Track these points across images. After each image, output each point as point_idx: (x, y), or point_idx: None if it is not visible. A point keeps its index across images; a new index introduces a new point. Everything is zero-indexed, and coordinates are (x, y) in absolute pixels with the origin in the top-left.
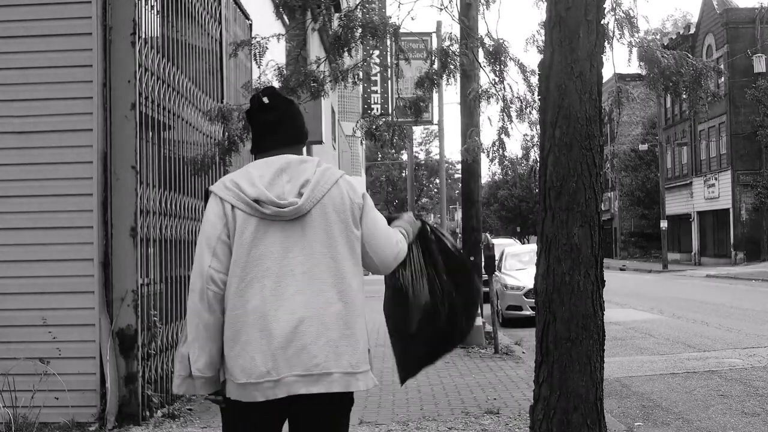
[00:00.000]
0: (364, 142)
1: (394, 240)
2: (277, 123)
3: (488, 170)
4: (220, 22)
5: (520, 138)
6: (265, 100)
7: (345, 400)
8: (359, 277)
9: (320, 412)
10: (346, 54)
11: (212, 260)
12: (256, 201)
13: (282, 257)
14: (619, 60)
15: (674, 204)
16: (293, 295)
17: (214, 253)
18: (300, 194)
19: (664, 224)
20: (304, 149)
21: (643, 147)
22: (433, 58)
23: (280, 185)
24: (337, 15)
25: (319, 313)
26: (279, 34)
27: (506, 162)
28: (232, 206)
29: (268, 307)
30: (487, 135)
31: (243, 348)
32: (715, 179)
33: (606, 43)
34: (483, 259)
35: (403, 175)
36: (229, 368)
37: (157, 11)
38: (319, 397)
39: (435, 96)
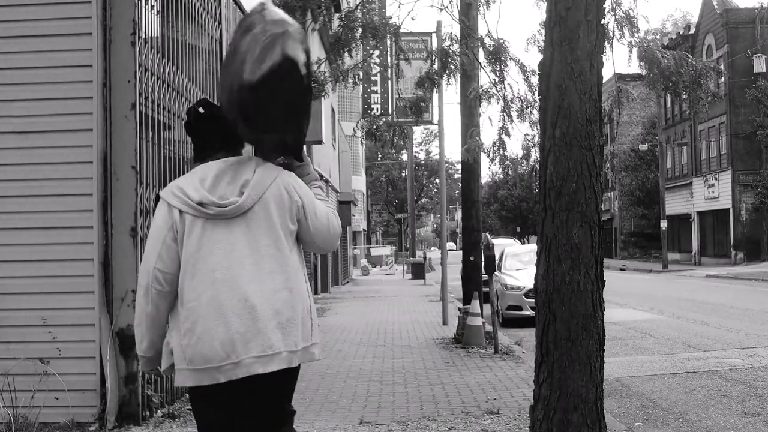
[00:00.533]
0: (364, 142)
1: (332, 222)
2: (214, 130)
3: (488, 170)
4: (220, 22)
5: (521, 138)
6: (201, 110)
7: (293, 373)
8: (301, 265)
9: (274, 386)
10: (346, 54)
11: (157, 261)
12: (200, 204)
13: (230, 252)
14: (619, 60)
15: (674, 204)
16: (245, 284)
17: (160, 255)
18: (241, 193)
19: (664, 224)
20: (252, 149)
21: (643, 147)
22: (434, 58)
23: (222, 187)
24: (337, 15)
25: (270, 300)
26: None
27: (507, 162)
28: (180, 211)
29: (223, 297)
30: (488, 135)
31: (201, 337)
32: (715, 179)
33: (606, 43)
34: (483, 259)
35: (403, 175)
36: (188, 356)
37: (157, 11)
38: (273, 374)
39: (435, 96)
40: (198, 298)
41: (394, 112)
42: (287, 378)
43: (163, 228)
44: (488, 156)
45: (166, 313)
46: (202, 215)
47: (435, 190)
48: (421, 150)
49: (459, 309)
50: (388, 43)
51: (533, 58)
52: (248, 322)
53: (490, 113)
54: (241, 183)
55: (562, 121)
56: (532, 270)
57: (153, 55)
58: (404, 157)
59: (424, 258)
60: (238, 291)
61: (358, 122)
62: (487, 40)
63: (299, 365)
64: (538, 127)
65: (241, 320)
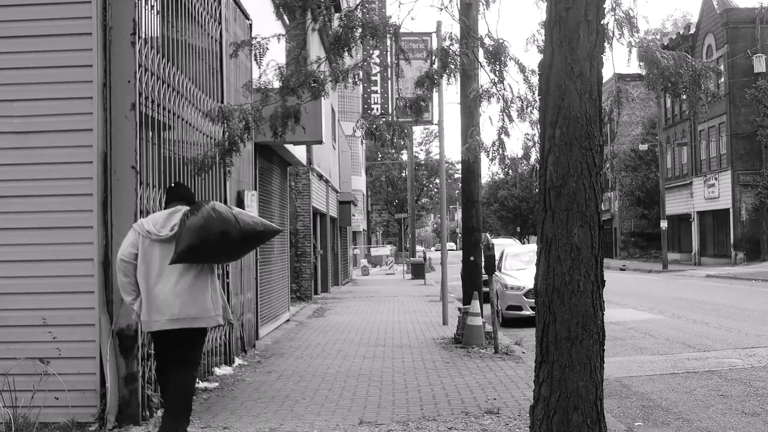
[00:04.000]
0: (364, 142)
1: None
2: (170, 193)
3: (488, 170)
4: (220, 22)
5: (521, 137)
6: (172, 184)
7: (200, 331)
8: (206, 267)
9: (191, 336)
10: (346, 54)
11: (125, 256)
12: (148, 233)
13: (162, 261)
14: (619, 60)
15: (674, 204)
16: (173, 282)
17: (128, 253)
18: (172, 229)
19: (664, 224)
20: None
21: (643, 147)
22: (434, 57)
23: (167, 225)
24: (337, 15)
25: (186, 289)
26: (279, 35)
27: (507, 161)
28: (141, 235)
29: (159, 289)
30: (488, 135)
31: (156, 311)
32: (715, 179)
33: (606, 43)
34: (483, 259)
35: (403, 175)
36: (147, 321)
37: (157, 11)
38: (189, 329)
39: (435, 96)
40: (150, 290)
41: (394, 112)
42: (197, 332)
43: (132, 241)
44: (488, 156)
45: (134, 281)
46: (150, 237)
47: (435, 190)
48: (421, 150)
49: (459, 309)
50: (388, 43)
51: (533, 58)
52: (176, 303)
53: (490, 113)
54: (173, 224)
55: (562, 121)
56: (532, 270)
57: (153, 55)
58: (404, 157)
59: (424, 258)
60: (168, 285)
61: (358, 122)
62: (487, 40)
63: (204, 328)
64: (538, 126)
65: (173, 302)
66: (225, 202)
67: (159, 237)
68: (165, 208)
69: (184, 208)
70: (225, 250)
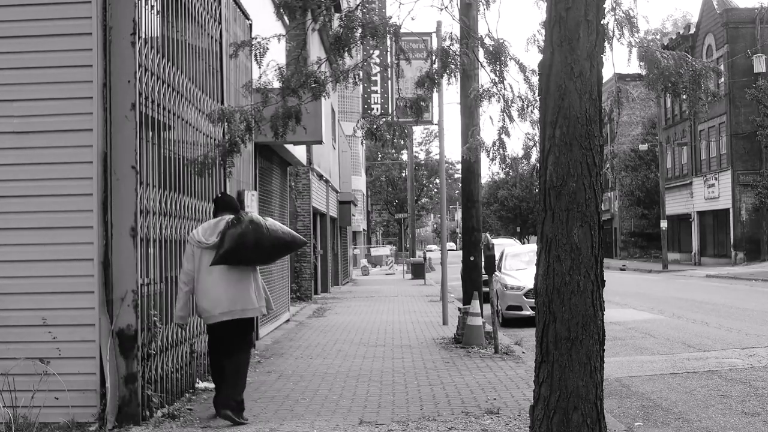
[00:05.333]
0: (364, 142)
1: None
2: (218, 203)
3: (488, 170)
4: (220, 22)
5: (521, 137)
6: (217, 195)
7: (248, 320)
8: (248, 268)
9: (241, 325)
10: (346, 54)
11: (186, 268)
12: (200, 243)
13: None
14: (619, 60)
15: (674, 204)
16: (222, 282)
17: (188, 269)
18: (217, 236)
19: (664, 224)
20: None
21: (643, 147)
22: (434, 57)
23: (214, 233)
24: (337, 15)
25: (233, 287)
26: (279, 35)
27: (507, 161)
28: (193, 245)
29: (212, 289)
30: (488, 135)
31: (210, 307)
32: (715, 179)
33: (606, 43)
34: (483, 259)
35: (403, 175)
36: (206, 316)
37: (157, 11)
38: (239, 320)
39: (435, 96)
40: (203, 286)
41: (395, 112)
42: (248, 322)
43: (191, 252)
44: (488, 156)
45: (191, 292)
46: (200, 246)
47: (435, 190)
48: (421, 150)
49: (459, 309)
50: (388, 43)
51: (533, 58)
52: (224, 298)
53: (490, 113)
54: (219, 231)
55: (562, 121)
56: (532, 270)
57: (153, 55)
58: (404, 157)
59: (424, 258)
60: (220, 283)
61: (358, 122)
62: (487, 40)
63: (251, 318)
64: (539, 126)
65: (222, 297)
66: None
67: (207, 244)
68: (214, 217)
69: (228, 217)
70: (258, 256)
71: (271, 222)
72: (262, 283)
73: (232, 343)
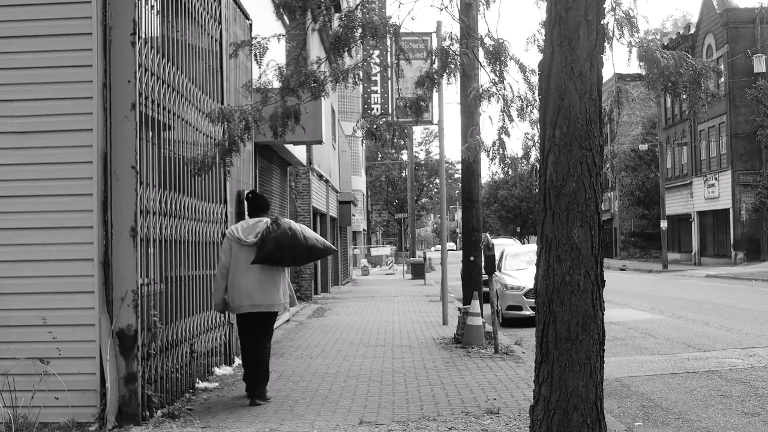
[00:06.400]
0: (364, 142)
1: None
2: (253, 203)
3: (488, 170)
4: (220, 22)
5: (521, 137)
6: (249, 194)
7: (273, 314)
8: (280, 269)
9: (267, 318)
10: (346, 54)
11: (224, 261)
12: (239, 240)
13: (247, 261)
14: (619, 60)
15: (674, 204)
16: (255, 277)
17: (225, 261)
18: (256, 236)
19: (664, 224)
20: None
21: (643, 147)
22: (434, 57)
23: (253, 233)
24: (337, 15)
25: (264, 283)
26: (279, 35)
27: (507, 161)
28: (231, 241)
29: (245, 283)
30: (488, 134)
31: (242, 299)
32: (715, 179)
33: (606, 43)
34: (483, 259)
35: (403, 175)
36: (236, 306)
37: (157, 11)
38: (266, 312)
39: (435, 96)
40: (236, 281)
41: (394, 112)
42: (271, 315)
43: (228, 246)
44: (488, 155)
45: (226, 286)
46: (239, 243)
47: (435, 190)
48: (421, 150)
49: (459, 309)
50: (388, 43)
51: (533, 58)
52: (255, 292)
53: (490, 113)
54: (257, 232)
55: (562, 121)
56: (532, 270)
57: (153, 55)
58: (404, 157)
59: (424, 258)
60: (251, 279)
61: (358, 122)
62: (487, 40)
63: (275, 311)
64: (538, 126)
65: (252, 292)
66: (225, 203)
67: (246, 243)
68: (250, 217)
69: (266, 220)
70: (292, 259)
71: (308, 231)
72: (289, 282)
73: (256, 333)
